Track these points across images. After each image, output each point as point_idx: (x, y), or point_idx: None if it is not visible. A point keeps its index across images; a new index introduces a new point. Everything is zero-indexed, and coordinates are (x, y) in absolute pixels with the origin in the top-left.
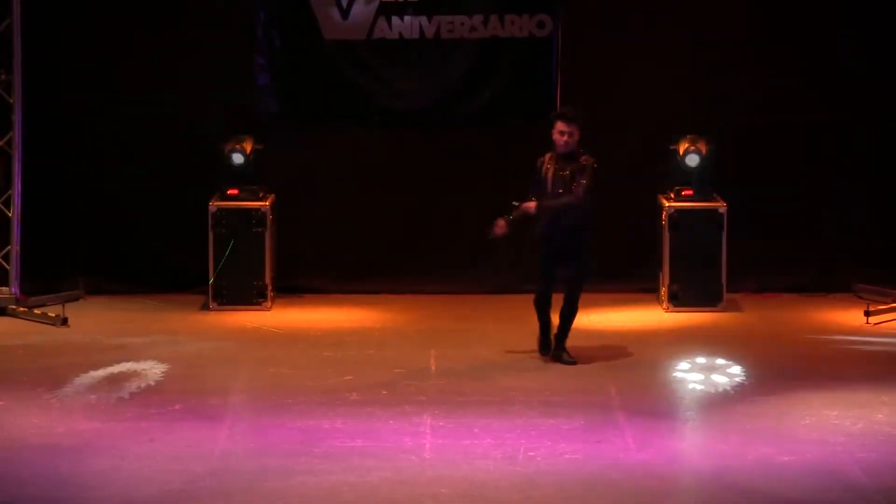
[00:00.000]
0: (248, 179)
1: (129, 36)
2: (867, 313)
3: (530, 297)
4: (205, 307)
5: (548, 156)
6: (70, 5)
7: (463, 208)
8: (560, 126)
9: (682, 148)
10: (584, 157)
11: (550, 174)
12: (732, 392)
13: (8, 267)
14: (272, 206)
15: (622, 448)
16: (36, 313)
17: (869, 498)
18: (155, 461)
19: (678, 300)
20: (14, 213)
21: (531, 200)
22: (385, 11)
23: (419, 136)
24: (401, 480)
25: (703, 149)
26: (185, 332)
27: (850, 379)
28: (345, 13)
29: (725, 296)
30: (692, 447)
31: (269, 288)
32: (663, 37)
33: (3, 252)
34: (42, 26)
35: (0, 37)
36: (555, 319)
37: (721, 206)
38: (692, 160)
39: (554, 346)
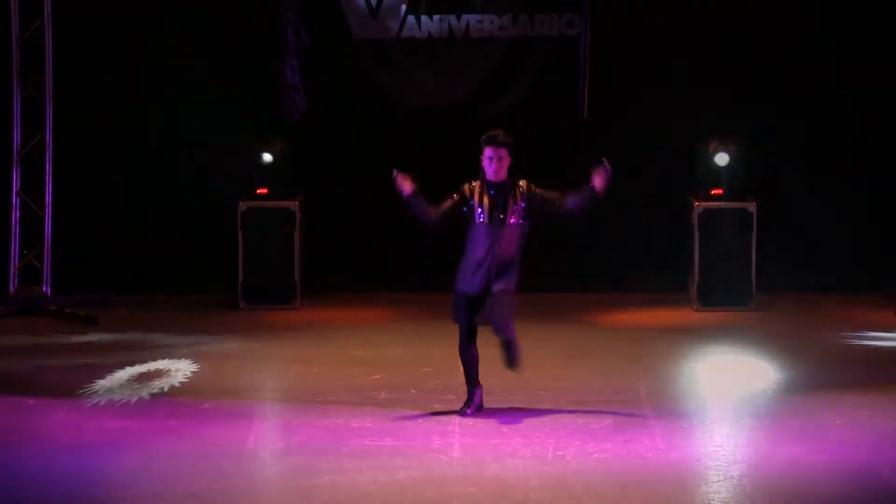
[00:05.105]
0: (277, 179)
1: (158, 36)
2: None
3: (557, 297)
4: (234, 306)
5: (476, 183)
6: (100, 6)
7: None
8: (489, 151)
9: (711, 147)
10: (521, 181)
11: (486, 201)
12: (762, 391)
13: (39, 266)
14: (301, 205)
15: (652, 448)
16: (66, 312)
17: None
18: (184, 460)
19: (708, 300)
20: (45, 214)
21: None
22: (414, 10)
23: (447, 135)
24: (430, 479)
25: (733, 148)
26: (214, 332)
27: (880, 378)
28: (374, 12)
29: (755, 295)
30: (722, 447)
31: (299, 287)
32: (692, 36)
33: (35, 251)
34: (72, 27)
35: (31, 37)
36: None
37: (751, 205)
38: (722, 160)
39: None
